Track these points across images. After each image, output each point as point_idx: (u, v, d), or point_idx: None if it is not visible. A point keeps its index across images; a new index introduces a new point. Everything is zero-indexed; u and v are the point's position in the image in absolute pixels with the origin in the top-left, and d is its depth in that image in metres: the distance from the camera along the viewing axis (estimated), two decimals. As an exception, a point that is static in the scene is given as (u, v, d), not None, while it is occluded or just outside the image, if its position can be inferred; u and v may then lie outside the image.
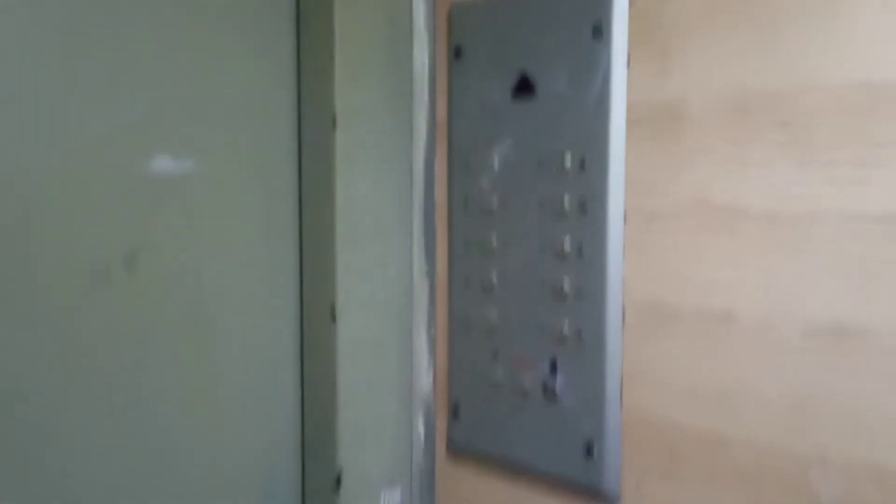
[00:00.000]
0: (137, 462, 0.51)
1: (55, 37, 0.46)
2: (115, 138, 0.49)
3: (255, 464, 0.57)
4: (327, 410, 0.56)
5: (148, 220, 0.50)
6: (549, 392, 0.53)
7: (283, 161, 0.57)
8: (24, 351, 0.46)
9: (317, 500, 0.58)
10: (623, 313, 0.50)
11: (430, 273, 0.60)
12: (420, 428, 0.61)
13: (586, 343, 0.51)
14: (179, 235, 0.52)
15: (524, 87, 0.53)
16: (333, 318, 0.55)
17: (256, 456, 0.57)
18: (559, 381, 0.52)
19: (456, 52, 0.57)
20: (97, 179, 0.48)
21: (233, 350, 0.55)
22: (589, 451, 0.51)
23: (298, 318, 0.59)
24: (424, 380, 0.61)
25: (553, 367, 0.53)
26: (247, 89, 0.55)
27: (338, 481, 0.57)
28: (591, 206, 0.50)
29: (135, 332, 0.50)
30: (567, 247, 0.51)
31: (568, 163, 0.50)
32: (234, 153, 0.54)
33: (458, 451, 0.60)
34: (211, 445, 0.55)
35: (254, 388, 0.57)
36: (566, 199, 0.51)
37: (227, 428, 0.56)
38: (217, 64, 0.53)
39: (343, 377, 0.56)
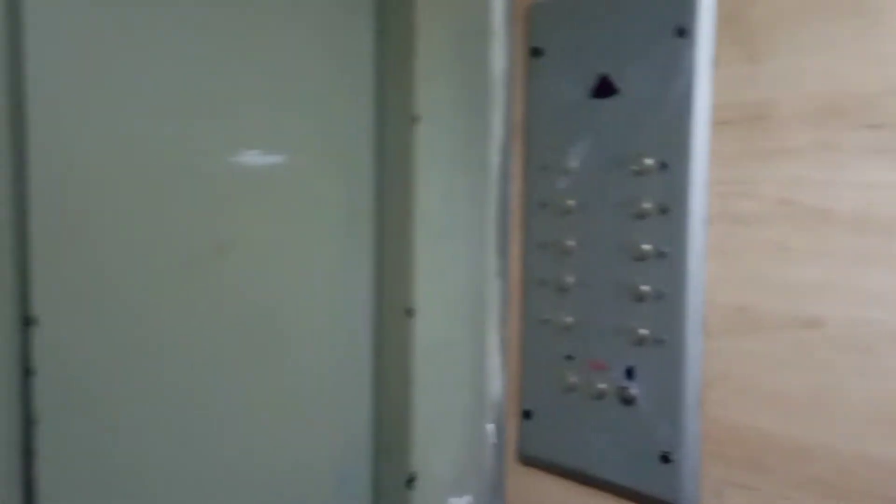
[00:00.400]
0: (219, 451, 0.52)
1: (163, 42, 0.48)
2: (211, 134, 0.51)
3: (331, 460, 0.58)
4: (401, 410, 0.57)
5: (238, 211, 0.52)
6: (625, 397, 0.52)
7: (363, 158, 0.58)
8: (126, 328, 0.48)
9: (390, 500, 0.58)
10: (704, 317, 0.49)
11: (503, 273, 0.60)
12: (491, 433, 0.61)
13: (665, 347, 0.50)
14: (266, 228, 0.53)
15: (604, 87, 0.52)
16: (410, 316, 0.55)
17: (332, 452, 0.58)
18: (636, 386, 0.51)
19: (534, 52, 0.57)
20: (195, 172, 0.50)
21: (310, 344, 0.56)
22: (666, 459, 0.50)
23: (374, 315, 0.59)
24: (496, 382, 0.60)
25: (629, 372, 0.52)
26: (330, 87, 0.56)
27: (410, 482, 0.57)
28: (672, 208, 0.49)
29: (223, 318, 0.52)
30: (647, 249, 0.50)
31: (649, 163, 0.50)
32: (317, 150, 0.55)
33: (529, 456, 0.59)
34: (288, 438, 0.56)
35: (330, 385, 0.58)
36: (646, 200, 0.50)
37: (303, 421, 0.57)
38: (303, 63, 0.55)
39: (417, 377, 0.56)
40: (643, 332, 0.51)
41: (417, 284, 0.56)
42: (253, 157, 0.52)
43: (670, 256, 0.49)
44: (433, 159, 0.56)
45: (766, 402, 0.46)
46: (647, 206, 0.50)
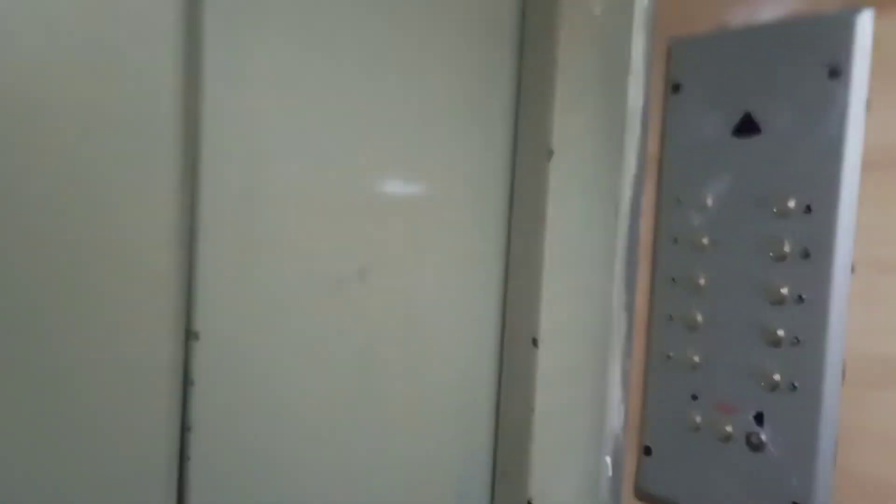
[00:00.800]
0: (353, 460, 0.55)
1: (320, 79, 0.51)
2: (355, 162, 0.53)
3: (453, 478, 0.59)
4: (522, 436, 0.58)
5: (379, 237, 0.54)
6: (753, 442, 0.51)
7: (497, 189, 0.59)
8: (278, 344, 0.51)
9: (506, 523, 0.60)
10: (844, 366, 0.47)
11: (630, 307, 0.60)
12: (608, 465, 0.61)
13: (800, 394, 0.48)
14: (404, 254, 0.56)
15: (747, 125, 0.51)
16: (535, 345, 0.56)
17: (454, 470, 0.59)
18: (766, 432, 0.50)
19: (674, 88, 0.56)
20: (339, 198, 0.52)
21: (438, 364, 0.58)
22: (795, 508, 0.48)
23: (499, 341, 0.60)
24: (616, 416, 0.60)
25: (759, 417, 0.51)
26: (469, 121, 0.58)
27: (526, 507, 0.58)
28: (814, 252, 0.48)
29: (362, 338, 0.54)
30: (785, 292, 0.49)
31: (792, 205, 0.49)
32: (453, 180, 0.57)
33: (647, 494, 0.59)
34: (415, 453, 0.58)
35: (455, 406, 0.59)
36: (787, 242, 0.49)
37: (427, 435, 0.58)
38: (443, 93, 0.56)
39: (539, 404, 0.57)
40: (776, 377, 0.50)
41: (543, 314, 0.56)
42: (394, 187, 0.54)
43: (810, 302, 0.48)
44: (565, 192, 0.56)
45: (907, 459, 0.45)
46: (787, 248, 0.49)
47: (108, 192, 0.44)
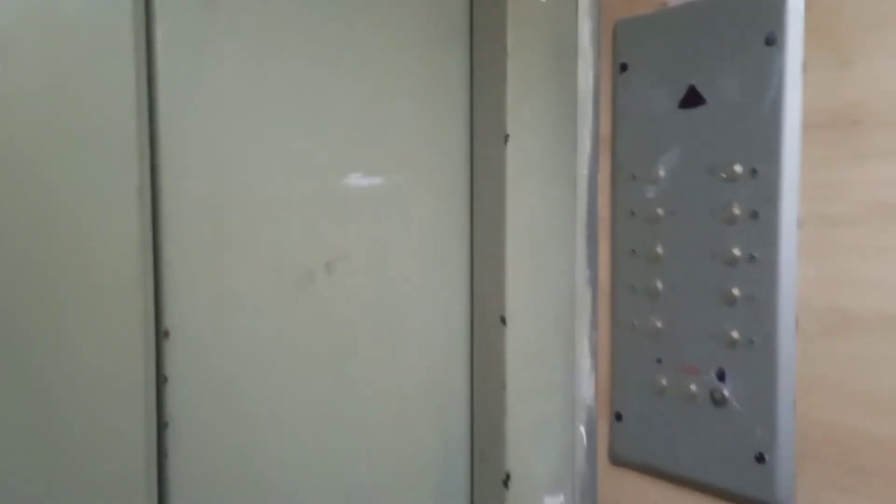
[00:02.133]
0: (330, 448, 0.56)
1: (277, 77, 0.52)
2: (315, 158, 0.54)
3: (431, 457, 0.60)
4: (496, 413, 0.59)
5: (344, 231, 0.55)
6: (717, 399, 0.53)
7: (457, 176, 0.61)
8: (248, 339, 0.52)
9: (487, 498, 0.61)
10: (796, 319, 0.50)
11: (593, 281, 0.62)
12: (582, 435, 0.62)
13: (757, 349, 0.51)
14: (369, 246, 0.57)
15: (692, 97, 0.54)
16: (504, 324, 0.58)
17: (432, 450, 0.61)
18: (728, 388, 0.52)
19: (622, 68, 0.58)
20: (302, 194, 0.54)
21: (411, 351, 0.59)
22: (760, 459, 0.51)
23: (469, 323, 0.62)
24: (587, 386, 0.62)
25: (721, 374, 0.53)
26: (426, 111, 0.59)
27: (506, 482, 0.59)
28: (763, 213, 0.50)
29: (332, 328, 0.55)
30: (737, 253, 0.51)
31: (739, 170, 0.51)
32: (414, 170, 0.59)
33: (621, 458, 0.61)
34: (392, 436, 0.59)
35: (429, 388, 0.60)
36: (736, 205, 0.51)
37: (405, 423, 0.59)
38: (399, 89, 0.58)
39: (511, 381, 0.58)
40: (734, 334, 0.52)
41: (510, 293, 0.58)
42: (356, 180, 0.55)
43: (761, 260, 0.50)
44: (523, 175, 0.58)
45: (863, 403, 0.47)
46: (737, 211, 0.51)
47: (72, 203, 0.45)
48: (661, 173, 0.56)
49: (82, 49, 0.45)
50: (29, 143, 0.43)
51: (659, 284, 0.57)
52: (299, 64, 0.53)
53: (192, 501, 0.50)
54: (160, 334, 0.48)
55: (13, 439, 0.43)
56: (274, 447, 0.53)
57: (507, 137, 0.57)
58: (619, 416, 0.60)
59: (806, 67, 0.49)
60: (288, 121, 0.53)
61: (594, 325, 0.62)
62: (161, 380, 0.48)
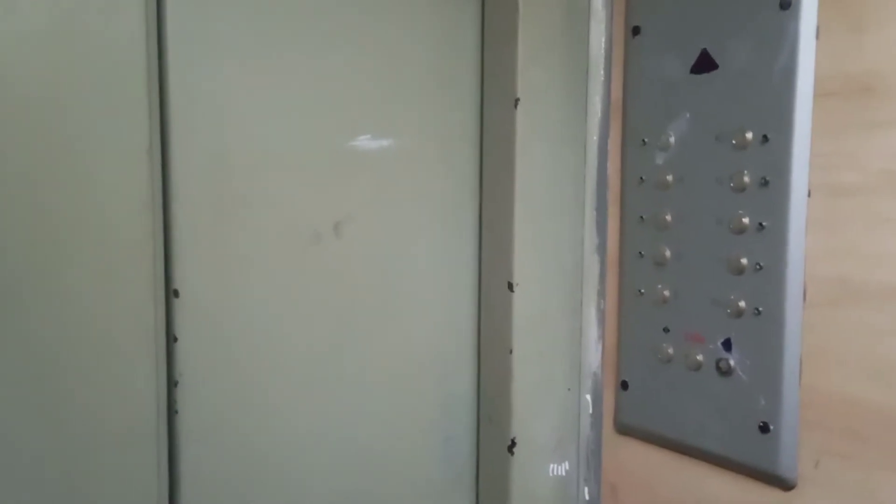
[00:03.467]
0: (338, 409, 0.57)
1: (286, 40, 0.53)
2: (326, 119, 0.54)
3: (437, 421, 0.61)
4: (502, 378, 0.59)
5: (352, 192, 0.56)
6: (722, 368, 0.53)
7: (466, 139, 0.61)
8: (258, 299, 0.53)
9: (492, 462, 0.61)
10: (804, 289, 0.49)
11: (601, 248, 0.61)
12: (588, 402, 0.63)
13: (764, 319, 0.50)
14: (378, 207, 0.57)
15: (704, 62, 0.53)
16: (511, 290, 0.58)
17: (439, 414, 0.61)
18: (734, 358, 0.52)
19: (633, 31, 0.58)
20: (311, 155, 0.54)
21: (417, 314, 0.60)
22: (764, 429, 0.51)
23: (476, 288, 0.62)
24: (593, 354, 0.62)
25: (727, 343, 0.53)
26: (435, 73, 0.59)
27: (511, 448, 0.59)
28: (772, 181, 0.49)
29: (339, 289, 0.56)
30: (746, 222, 0.51)
31: (750, 137, 0.50)
32: (423, 133, 0.58)
33: (626, 427, 0.61)
34: (399, 399, 0.60)
35: (436, 352, 0.61)
36: (746, 173, 0.51)
37: (410, 385, 0.60)
38: (409, 51, 0.58)
39: (518, 347, 0.59)
40: (741, 304, 0.52)
41: (518, 259, 0.58)
42: (365, 142, 0.56)
43: (770, 229, 0.50)
44: (533, 139, 0.58)
45: (866, 372, 0.47)
46: (747, 179, 0.51)
47: (81, 163, 0.45)
48: (672, 139, 0.55)
49: (91, 5, 0.45)
50: (37, 103, 0.44)
51: (667, 252, 0.56)
52: (309, 25, 0.53)
53: (200, 455, 0.51)
54: (170, 294, 0.49)
55: (29, 396, 0.45)
56: (282, 404, 0.54)
57: (517, 101, 0.57)
58: (624, 385, 0.60)
59: (819, 33, 0.48)
60: (297, 82, 0.53)
61: (601, 293, 0.62)
62: (171, 339, 0.50)
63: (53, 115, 0.44)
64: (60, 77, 0.44)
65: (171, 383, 0.50)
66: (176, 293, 0.49)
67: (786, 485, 0.50)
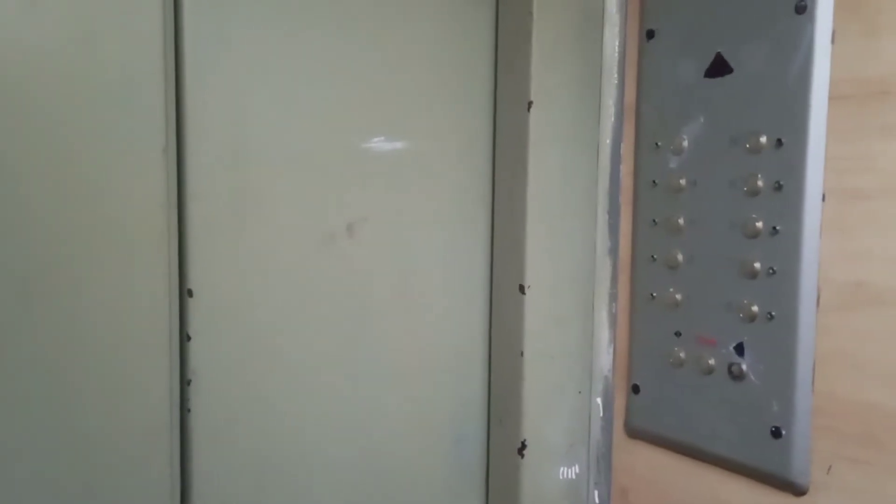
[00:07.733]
0: (351, 409, 0.57)
1: (303, 42, 0.53)
2: (340, 120, 0.55)
3: (448, 422, 0.61)
4: (513, 381, 0.60)
5: (366, 192, 0.56)
6: (734, 373, 0.53)
7: (479, 142, 0.61)
8: (271, 299, 0.53)
9: (502, 464, 0.62)
10: (818, 293, 0.49)
11: (614, 251, 0.61)
12: (599, 406, 0.63)
13: (777, 323, 0.50)
14: (391, 208, 0.57)
15: (719, 66, 0.53)
16: (522, 292, 0.58)
17: (449, 415, 0.61)
18: (747, 362, 0.52)
19: (648, 35, 0.58)
20: (326, 155, 0.54)
21: (429, 315, 0.60)
22: (777, 434, 0.50)
23: (488, 290, 0.62)
24: (604, 357, 0.62)
25: (740, 348, 0.53)
26: (449, 76, 0.59)
27: (521, 451, 0.59)
28: (786, 185, 0.49)
29: (352, 289, 0.56)
30: (760, 226, 0.51)
31: (764, 141, 0.50)
32: (437, 135, 0.59)
33: (637, 430, 0.61)
34: (411, 398, 0.60)
35: (448, 353, 0.61)
36: (760, 177, 0.50)
37: (422, 386, 0.60)
38: (423, 54, 0.58)
39: (529, 349, 0.59)
40: (754, 308, 0.52)
41: (530, 262, 0.58)
42: (378, 143, 0.56)
43: (784, 232, 0.50)
44: (546, 142, 0.58)
45: (881, 377, 0.46)
46: (760, 183, 0.51)
47: (97, 161, 0.46)
48: (685, 143, 0.55)
49: (109, 7, 0.45)
50: (54, 101, 0.44)
51: (679, 256, 0.56)
52: (324, 25, 0.53)
53: (213, 453, 0.51)
54: (184, 294, 0.50)
55: (43, 394, 0.45)
56: (295, 404, 0.55)
57: (530, 104, 0.57)
58: (636, 389, 0.60)
59: (834, 37, 0.48)
60: (312, 83, 0.53)
61: (613, 296, 0.62)
62: (185, 338, 0.50)
63: (69, 114, 0.45)
64: (78, 77, 0.45)
65: (185, 382, 0.50)
66: (190, 292, 0.50)
67: (798, 490, 0.50)
